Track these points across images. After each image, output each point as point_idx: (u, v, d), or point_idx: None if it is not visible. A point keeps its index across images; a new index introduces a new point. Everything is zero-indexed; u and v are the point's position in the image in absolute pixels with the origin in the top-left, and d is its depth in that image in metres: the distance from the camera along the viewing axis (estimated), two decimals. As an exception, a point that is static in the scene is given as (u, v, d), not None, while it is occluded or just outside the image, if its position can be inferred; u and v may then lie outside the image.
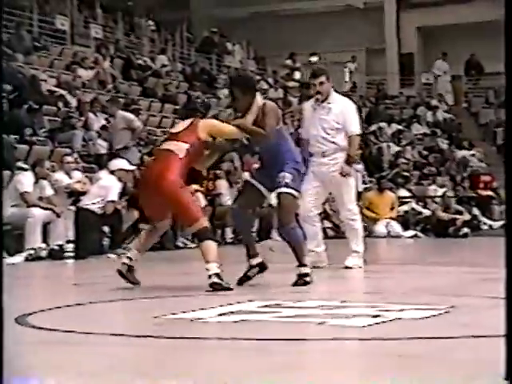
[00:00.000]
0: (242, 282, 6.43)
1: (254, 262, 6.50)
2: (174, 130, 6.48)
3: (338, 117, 8.13)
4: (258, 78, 24.90)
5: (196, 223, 6.09)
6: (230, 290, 5.87)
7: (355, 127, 8.25)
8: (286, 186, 6.37)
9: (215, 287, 5.83)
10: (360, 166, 17.91)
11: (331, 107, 8.17)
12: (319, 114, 8.17)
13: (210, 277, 5.87)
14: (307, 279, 6.36)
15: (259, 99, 6.48)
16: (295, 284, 6.33)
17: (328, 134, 8.13)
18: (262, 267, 6.52)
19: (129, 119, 14.21)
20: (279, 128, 6.50)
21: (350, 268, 8.01)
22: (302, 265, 6.43)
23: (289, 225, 6.43)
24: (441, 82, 26.79)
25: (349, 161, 8.15)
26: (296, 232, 6.52)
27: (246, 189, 6.71)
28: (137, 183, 6.32)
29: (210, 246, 6.05)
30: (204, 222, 6.14)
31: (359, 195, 17.76)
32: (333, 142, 8.13)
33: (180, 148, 6.15)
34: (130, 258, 6.28)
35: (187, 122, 6.37)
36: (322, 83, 8.15)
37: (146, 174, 6.60)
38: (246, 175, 14.94)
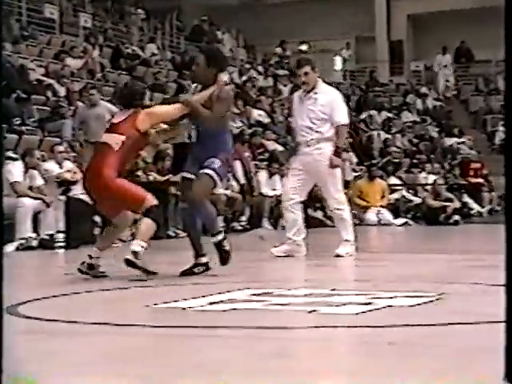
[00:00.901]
0: (185, 274, 6.35)
1: (204, 260, 6.44)
2: (114, 121, 6.38)
3: (324, 107, 8.12)
4: (247, 66, 24.89)
5: (143, 203, 6.08)
6: (148, 272, 6.02)
7: (342, 117, 8.27)
8: (213, 170, 6.25)
9: (129, 264, 5.96)
10: (348, 155, 17.92)
11: (317, 97, 8.16)
12: (306, 104, 8.16)
13: (131, 252, 5.96)
14: (199, 269, 6.34)
15: (223, 79, 6.38)
16: (183, 272, 6.32)
17: (314, 123, 8.12)
18: (207, 268, 6.44)
19: (114, 112, 13.80)
20: (226, 116, 6.46)
21: (342, 256, 8.00)
22: (198, 255, 6.42)
23: (195, 204, 6.30)
24: (442, 77, 26.46)
25: (337, 152, 8.12)
26: (196, 216, 6.41)
27: (185, 185, 6.45)
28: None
29: (148, 225, 6.08)
30: (152, 201, 6.12)
31: (348, 183, 17.80)
32: (318, 132, 8.11)
33: (116, 140, 6.09)
34: (90, 256, 6.29)
35: (128, 112, 6.25)
36: (306, 73, 8.13)
37: (86, 172, 6.54)
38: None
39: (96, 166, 6.14)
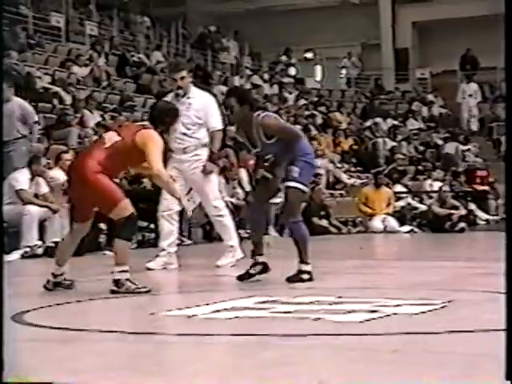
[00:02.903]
0: (242, 278, 6.42)
1: (260, 259, 6.51)
2: (125, 123, 6.48)
3: (198, 112, 7.95)
4: (252, 73, 24.94)
5: (116, 207, 5.73)
6: (140, 292, 5.67)
7: (216, 122, 8.04)
8: (294, 180, 6.35)
9: (114, 292, 5.67)
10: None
11: (191, 102, 7.97)
12: (180, 109, 7.94)
13: (113, 282, 5.72)
14: (304, 276, 6.33)
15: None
16: (289, 279, 6.30)
17: (189, 129, 7.94)
18: (266, 268, 6.51)
19: (26, 111, 12.01)
20: (286, 131, 6.58)
21: (221, 267, 7.87)
22: (302, 261, 6.41)
23: (293, 219, 6.44)
24: (466, 106, 24.69)
25: (212, 158, 8.01)
26: (301, 227, 6.50)
27: (260, 183, 6.57)
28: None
29: (122, 246, 5.77)
30: (129, 208, 5.77)
31: (344, 188, 17.81)
32: (194, 138, 7.95)
33: (110, 138, 5.95)
34: (54, 275, 6.12)
35: (138, 123, 6.34)
36: (183, 78, 7.98)
37: (71, 164, 6.42)
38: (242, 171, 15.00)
39: (81, 157, 6.07)
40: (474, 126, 24.52)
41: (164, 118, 6.16)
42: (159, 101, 7.04)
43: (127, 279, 5.68)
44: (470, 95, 24.37)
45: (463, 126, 24.17)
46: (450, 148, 22.29)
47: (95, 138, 6.50)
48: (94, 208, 6.01)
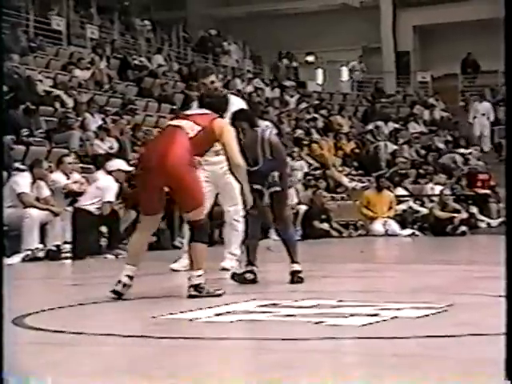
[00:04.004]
0: (236, 278, 6.53)
1: (254, 269, 6.58)
2: (187, 112, 6.10)
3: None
4: (254, 77, 24.96)
5: (198, 208, 5.59)
6: (214, 295, 5.53)
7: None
8: (277, 184, 6.63)
9: (193, 297, 5.53)
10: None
11: None
12: None
13: (193, 287, 5.55)
14: (301, 275, 6.49)
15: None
16: (292, 282, 6.41)
17: None
18: (255, 279, 6.54)
19: None
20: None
21: (226, 269, 7.91)
22: (294, 262, 6.57)
23: (287, 220, 6.72)
24: (478, 125, 24.04)
25: None
26: (290, 228, 6.83)
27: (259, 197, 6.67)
28: (134, 180, 5.92)
29: (200, 249, 5.61)
30: (204, 213, 5.73)
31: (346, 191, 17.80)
32: None
33: (192, 127, 5.66)
34: (130, 277, 5.60)
35: (203, 110, 5.98)
36: (212, 82, 7.94)
37: (148, 153, 5.88)
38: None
39: (166, 145, 5.55)
40: (486, 147, 23.82)
41: (224, 107, 6.24)
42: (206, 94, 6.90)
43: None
44: (483, 114, 23.84)
45: (476, 144, 23.52)
46: (447, 159, 22.15)
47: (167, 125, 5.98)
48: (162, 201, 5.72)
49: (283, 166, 6.83)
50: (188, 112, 6.15)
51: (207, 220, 5.85)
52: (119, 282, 5.55)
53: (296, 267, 6.55)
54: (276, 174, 6.63)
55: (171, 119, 6.11)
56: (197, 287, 5.53)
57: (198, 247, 5.61)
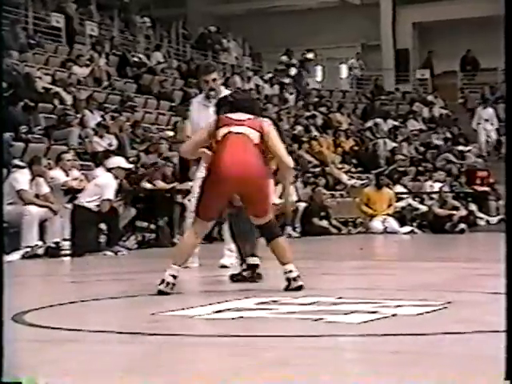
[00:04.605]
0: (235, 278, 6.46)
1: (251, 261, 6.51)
2: (233, 117, 5.85)
3: None
4: (253, 74, 24.95)
5: (270, 212, 5.79)
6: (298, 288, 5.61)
7: None
8: None
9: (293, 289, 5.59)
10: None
11: None
12: (210, 111, 7.54)
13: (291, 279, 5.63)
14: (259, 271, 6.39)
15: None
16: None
17: None
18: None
19: None
20: None
21: (225, 266, 7.89)
22: (254, 255, 6.50)
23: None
24: (483, 132, 23.54)
25: None
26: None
27: None
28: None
29: (284, 243, 5.80)
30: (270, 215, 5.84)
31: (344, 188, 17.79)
32: None
33: (253, 134, 5.72)
34: (174, 276, 5.53)
35: (244, 115, 5.86)
36: (214, 79, 7.92)
37: (223, 162, 5.62)
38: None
39: (248, 156, 5.62)
40: (489, 149, 23.41)
41: (258, 109, 6.19)
42: (234, 94, 6.76)
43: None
44: (487, 120, 23.52)
45: (481, 152, 23.13)
46: (441, 160, 22.05)
47: (225, 134, 5.75)
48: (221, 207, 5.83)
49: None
50: (234, 116, 5.85)
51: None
52: (163, 281, 5.47)
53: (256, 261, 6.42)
54: None
55: (224, 125, 5.76)
56: (293, 279, 5.64)
57: (279, 242, 5.78)
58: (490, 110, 23.54)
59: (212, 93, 7.91)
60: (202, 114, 7.85)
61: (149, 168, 13.27)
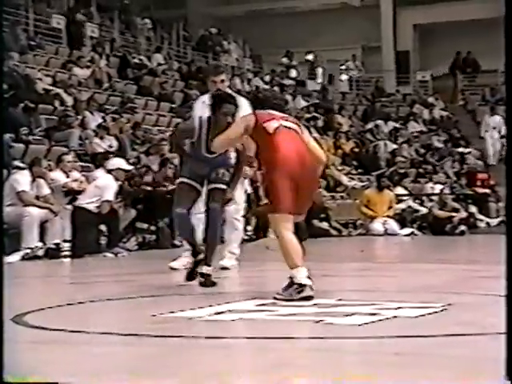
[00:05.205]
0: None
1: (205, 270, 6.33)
2: (273, 113, 5.75)
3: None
4: (253, 76, 24.95)
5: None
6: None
7: None
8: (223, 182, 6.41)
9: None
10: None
11: None
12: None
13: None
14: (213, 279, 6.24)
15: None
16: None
17: None
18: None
19: None
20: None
21: (225, 267, 7.83)
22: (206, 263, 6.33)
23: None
24: (489, 140, 23.14)
25: (249, 161, 8.07)
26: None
27: (184, 189, 6.41)
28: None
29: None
30: None
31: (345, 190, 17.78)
32: None
33: (298, 130, 5.75)
34: (309, 277, 5.29)
35: (276, 112, 5.81)
36: (222, 81, 7.90)
37: (292, 156, 5.54)
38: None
39: (307, 150, 5.63)
40: (495, 161, 22.95)
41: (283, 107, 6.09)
42: (260, 92, 6.60)
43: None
44: (494, 128, 23.10)
45: (488, 162, 22.82)
46: (445, 166, 21.95)
47: (277, 127, 5.66)
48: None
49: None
50: (273, 113, 5.77)
51: None
52: (300, 285, 5.15)
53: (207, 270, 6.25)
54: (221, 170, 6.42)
55: (268, 120, 5.67)
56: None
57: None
58: (498, 118, 23.11)
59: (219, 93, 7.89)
60: (206, 115, 7.85)
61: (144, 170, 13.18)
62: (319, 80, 27.87)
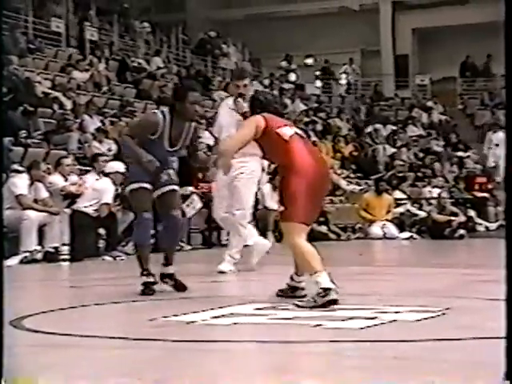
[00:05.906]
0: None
1: (172, 270, 6.34)
2: (278, 118, 5.74)
3: None
4: (253, 79, 24.97)
5: None
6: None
7: None
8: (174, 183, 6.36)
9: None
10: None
11: None
12: (238, 116, 7.76)
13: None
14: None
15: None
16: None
17: None
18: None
19: None
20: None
21: (222, 272, 7.86)
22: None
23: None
24: (492, 156, 22.48)
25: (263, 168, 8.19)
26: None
27: (143, 194, 6.36)
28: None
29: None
30: None
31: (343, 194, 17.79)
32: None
33: (302, 135, 5.72)
34: (332, 281, 5.23)
35: (281, 118, 5.82)
36: (245, 85, 7.96)
37: (312, 163, 5.47)
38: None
39: (319, 159, 5.63)
40: (498, 177, 21.84)
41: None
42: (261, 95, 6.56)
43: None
44: (497, 145, 22.51)
45: (491, 176, 22.00)
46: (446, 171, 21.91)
47: (291, 133, 5.60)
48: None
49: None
50: (278, 118, 5.73)
51: None
52: (325, 289, 5.05)
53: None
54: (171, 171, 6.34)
55: (282, 125, 5.62)
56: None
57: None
58: (501, 134, 22.91)
59: (239, 99, 7.90)
60: (230, 119, 7.91)
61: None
62: (318, 84, 27.90)
